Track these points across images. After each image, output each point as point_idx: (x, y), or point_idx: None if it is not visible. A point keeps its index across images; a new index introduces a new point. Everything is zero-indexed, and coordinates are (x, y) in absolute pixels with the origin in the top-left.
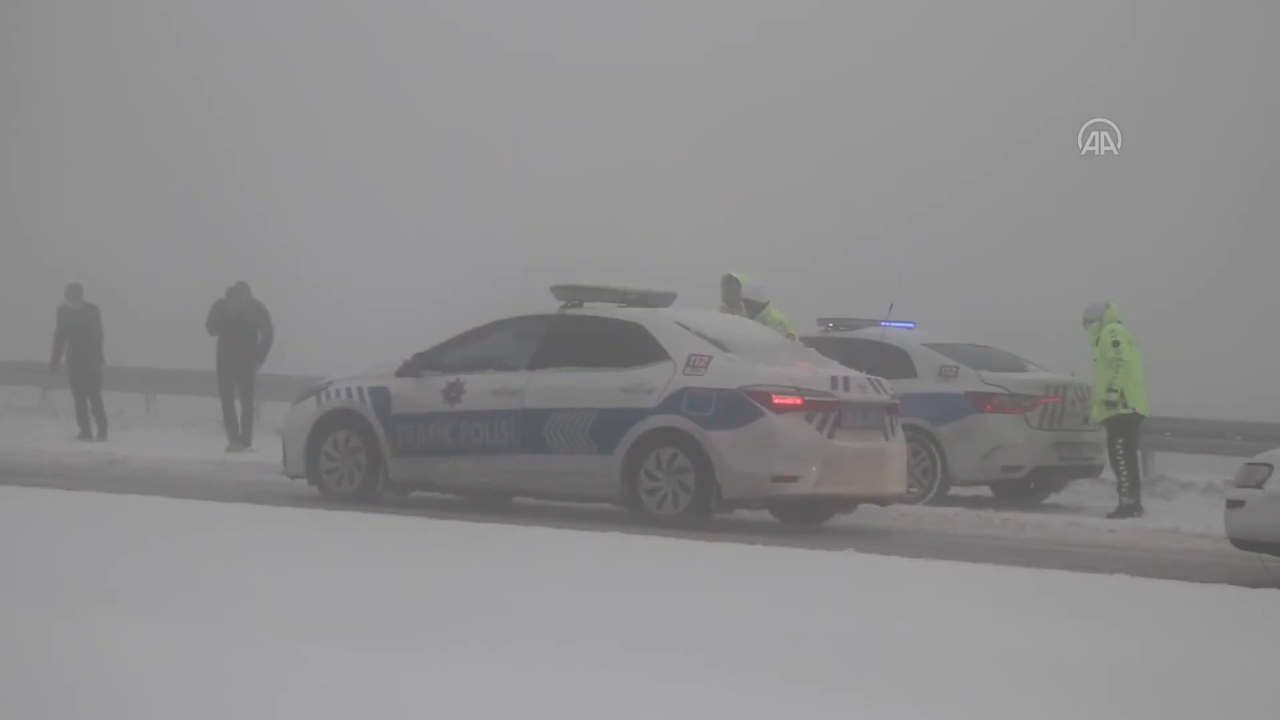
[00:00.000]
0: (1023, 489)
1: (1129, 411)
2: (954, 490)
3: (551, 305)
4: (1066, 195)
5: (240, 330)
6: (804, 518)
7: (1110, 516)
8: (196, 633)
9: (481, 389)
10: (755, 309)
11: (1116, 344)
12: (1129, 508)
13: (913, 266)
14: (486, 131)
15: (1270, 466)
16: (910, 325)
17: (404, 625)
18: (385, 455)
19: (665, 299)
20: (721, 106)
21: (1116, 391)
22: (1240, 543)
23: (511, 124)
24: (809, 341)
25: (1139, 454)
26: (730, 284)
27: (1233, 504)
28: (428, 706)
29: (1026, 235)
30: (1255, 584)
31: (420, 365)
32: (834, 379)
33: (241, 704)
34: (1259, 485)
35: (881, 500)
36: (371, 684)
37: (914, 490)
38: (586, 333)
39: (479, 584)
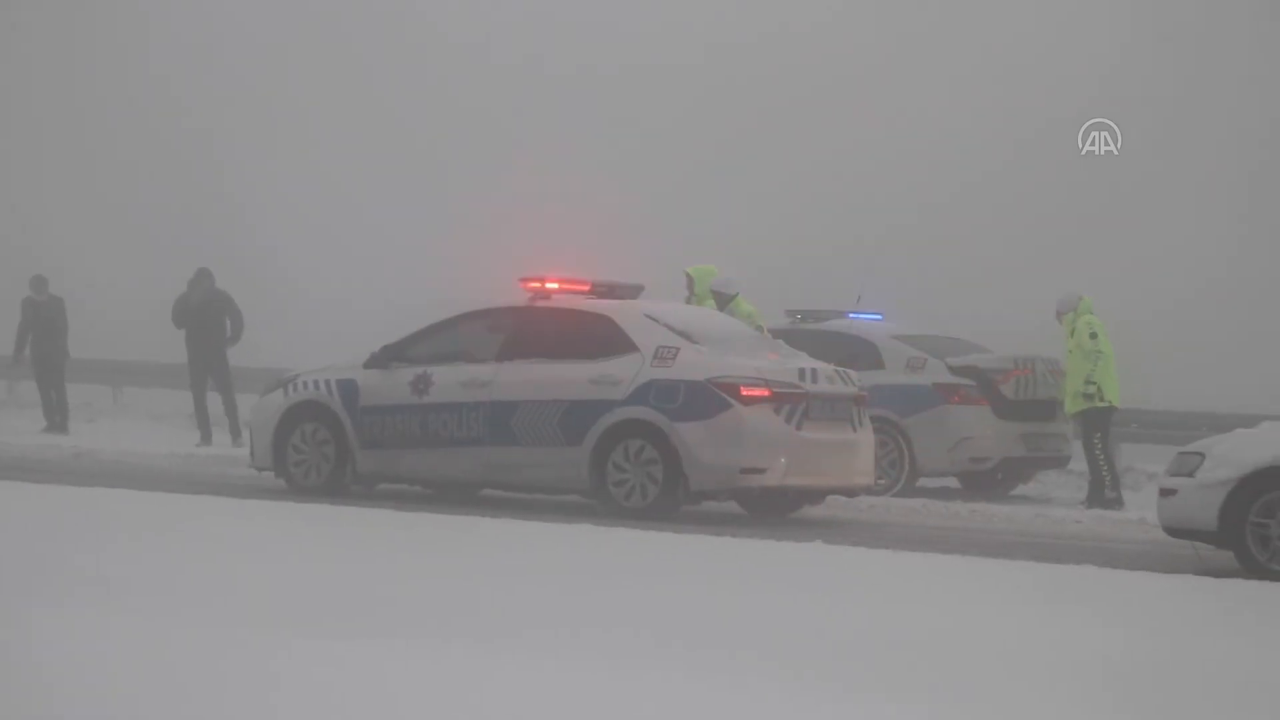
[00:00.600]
0: (990, 480)
1: (1105, 404)
2: (922, 482)
3: (520, 297)
4: (1066, 195)
5: (207, 320)
6: (772, 509)
7: (1089, 508)
8: (180, 627)
9: (449, 381)
10: (724, 301)
11: (1094, 335)
12: (1111, 501)
13: (910, 265)
14: (462, 125)
15: (1202, 455)
16: (878, 317)
17: (387, 619)
18: (353, 447)
19: (633, 291)
20: (713, 104)
21: (1094, 385)
22: (1173, 531)
23: (488, 118)
24: (777, 333)
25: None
26: (686, 279)
27: (1165, 493)
28: (414, 700)
29: (1025, 235)
30: (1221, 575)
31: (388, 357)
32: (802, 371)
33: (228, 698)
34: (1191, 474)
35: (849, 492)
36: (358, 677)
37: (882, 482)
38: (555, 325)
39: (457, 578)
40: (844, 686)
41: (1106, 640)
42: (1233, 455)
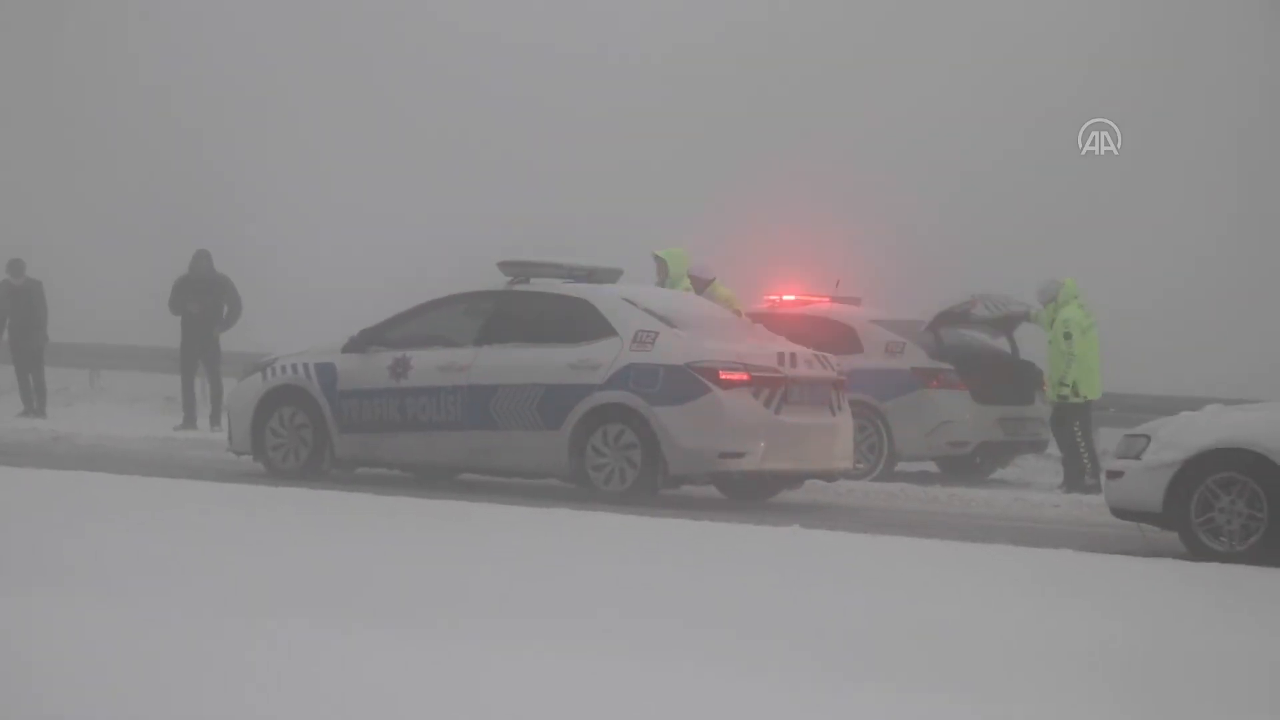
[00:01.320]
0: (968, 465)
1: (1081, 400)
2: (900, 466)
3: (499, 281)
4: (1066, 195)
5: (205, 303)
6: (751, 494)
7: (1068, 492)
8: (160, 611)
9: (428, 365)
10: (701, 285)
11: (1069, 336)
12: (1091, 487)
13: (910, 265)
14: (452, 112)
15: (1148, 438)
16: (857, 301)
17: (365, 604)
18: (331, 432)
19: (612, 275)
20: (706, 90)
21: (1069, 385)
22: (1120, 512)
23: (476, 107)
24: (755, 317)
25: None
26: (657, 263)
27: (1112, 475)
28: (395, 685)
29: (1024, 235)
30: (1197, 558)
31: (366, 341)
32: (781, 355)
33: (209, 684)
34: (1137, 456)
35: (828, 476)
36: (338, 662)
37: (860, 466)
38: (533, 309)
39: (437, 563)
40: (822, 670)
41: (1086, 622)
42: (1177, 438)
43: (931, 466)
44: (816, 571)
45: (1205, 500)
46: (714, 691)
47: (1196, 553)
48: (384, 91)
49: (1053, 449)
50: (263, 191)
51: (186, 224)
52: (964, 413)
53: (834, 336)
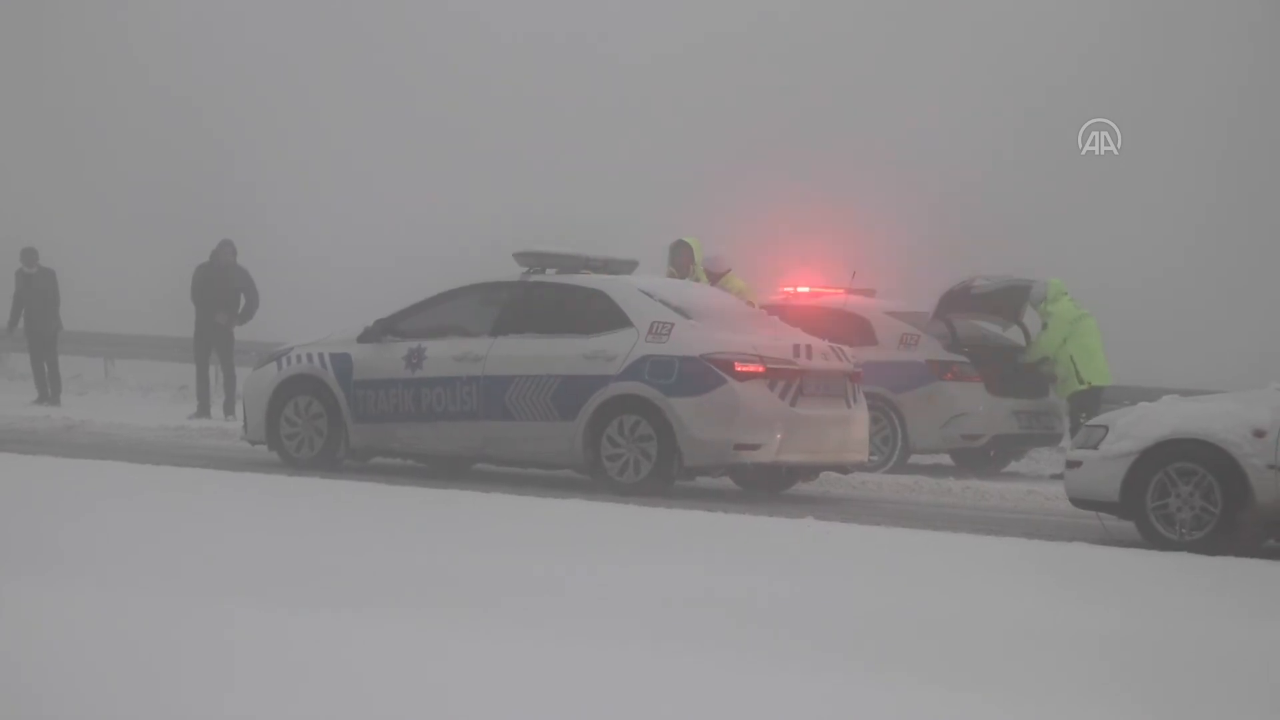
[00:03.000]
0: (982, 457)
1: (1084, 387)
2: (914, 458)
3: (514, 272)
4: (1067, 195)
5: (223, 293)
6: (766, 485)
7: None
8: (148, 597)
9: (443, 355)
10: (715, 277)
11: (1080, 318)
12: None
13: (919, 260)
14: (469, 104)
15: (1106, 428)
16: (871, 293)
17: (362, 590)
18: (346, 421)
19: (628, 266)
20: (715, 88)
21: (1068, 356)
22: (1078, 502)
23: (493, 99)
24: (770, 309)
25: None
26: (681, 249)
27: (1071, 465)
28: (381, 671)
29: (1025, 233)
30: (1153, 547)
31: (382, 331)
32: (796, 347)
33: (191, 667)
34: (1095, 446)
35: (843, 468)
36: (323, 648)
37: (874, 458)
38: (549, 299)
39: (435, 550)
40: (835, 662)
41: (1099, 616)
42: (1134, 428)
43: (945, 459)
44: (830, 563)
45: (1161, 490)
46: (725, 682)
47: (1152, 542)
48: (399, 83)
49: (1066, 442)
50: (277, 181)
51: (201, 213)
52: (978, 405)
53: (848, 328)
